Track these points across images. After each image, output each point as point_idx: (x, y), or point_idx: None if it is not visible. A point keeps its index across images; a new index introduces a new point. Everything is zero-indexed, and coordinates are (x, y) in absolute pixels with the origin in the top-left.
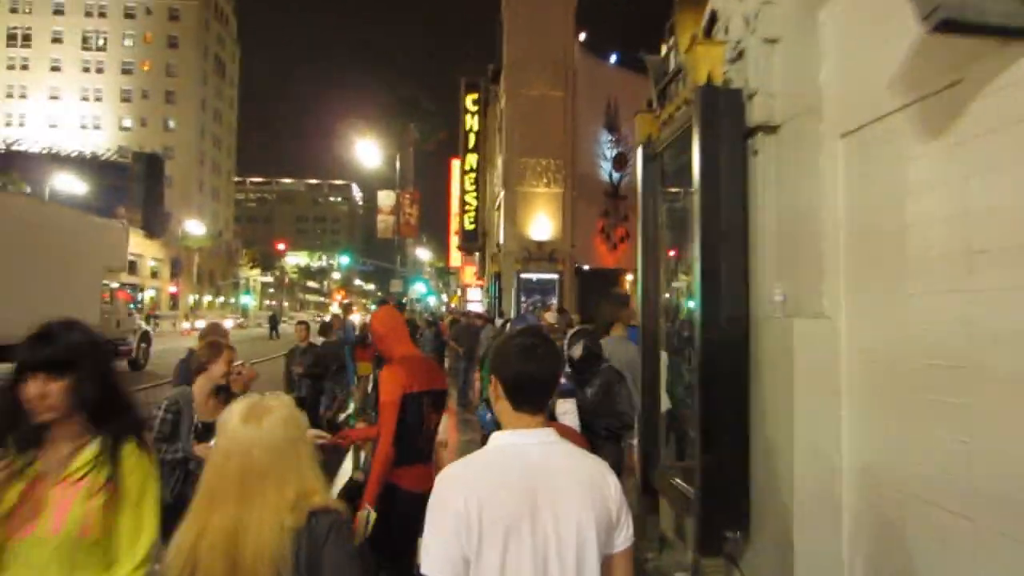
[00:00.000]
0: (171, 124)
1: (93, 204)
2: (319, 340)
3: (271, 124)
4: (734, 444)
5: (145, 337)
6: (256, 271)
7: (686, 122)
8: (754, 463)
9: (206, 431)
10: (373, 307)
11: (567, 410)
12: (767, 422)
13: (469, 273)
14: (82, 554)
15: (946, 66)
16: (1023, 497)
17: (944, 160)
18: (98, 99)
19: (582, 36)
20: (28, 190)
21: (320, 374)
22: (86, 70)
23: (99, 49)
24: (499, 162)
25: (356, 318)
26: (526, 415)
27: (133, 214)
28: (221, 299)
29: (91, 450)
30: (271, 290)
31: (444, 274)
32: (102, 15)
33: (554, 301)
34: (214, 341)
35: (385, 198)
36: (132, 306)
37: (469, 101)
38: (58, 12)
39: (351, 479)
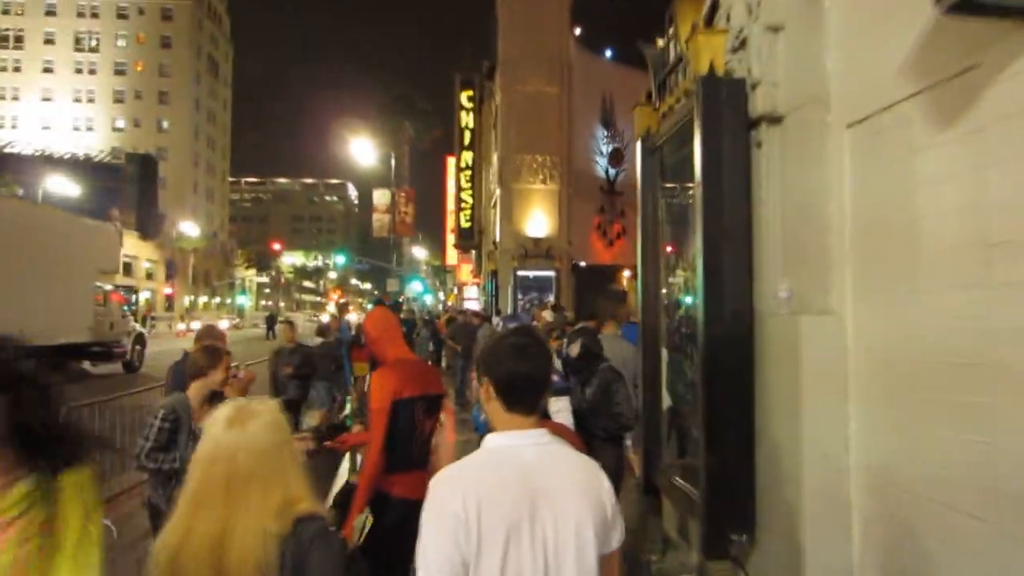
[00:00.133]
0: (165, 125)
1: (87, 206)
2: (318, 341)
3: (265, 124)
4: (738, 444)
5: (140, 339)
6: (252, 271)
7: (687, 114)
8: (759, 463)
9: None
10: (369, 306)
11: (561, 408)
12: (772, 421)
13: (466, 271)
14: None
15: (960, 51)
16: None
17: (958, 149)
18: (91, 100)
19: (577, 31)
20: (21, 192)
21: (308, 374)
22: (79, 71)
23: (92, 50)
24: (495, 159)
25: (352, 318)
26: (519, 416)
27: (127, 216)
28: (217, 300)
29: (23, 487)
30: (267, 290)
31: (441, 272)
32: (94, 16)
33: (551, 298)
34: (213, 347)
35: (380, 197)
36: (126, 308)
37: (464, 98)
38: (50, 13)
39: (347, 483)
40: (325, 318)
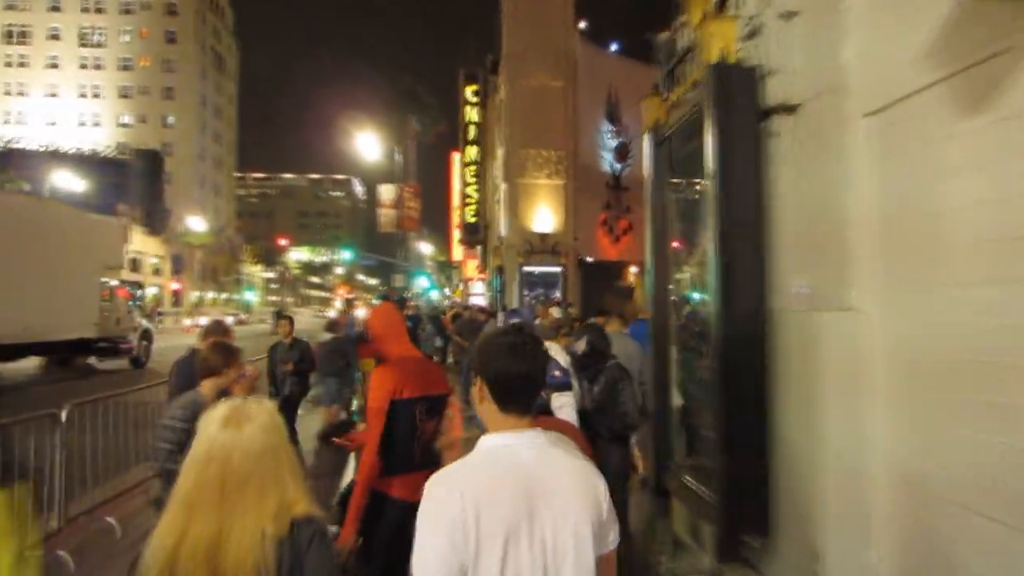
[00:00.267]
0: (170, 120)
1: (93, 202)
2: (327, 336)
3: (271, 118)
4: (753, 444)
5: (146, 335)
6: (258, 267)
7: (697, 104)
8: (775, 464)
9: None
10: (376, 302)
11: (564, 403)
12: (789, 421)
13: (471, 267)
14: None
15: (987, 36)
16: None
17: (985, 138)
18: (97, 96)
19: (582, 25)
20: (27, 188)
21: (307, 371)
22: (84, 67)
23: (97, 45)
24: (499, 154)
25: (360, 313)
26: (513, 416)
27: (134, 211)
28: (225, 296)
29: None
30: (274, 286)
31: (446, 268)
32: (99, 11)
33: (557, 295)
34: (227, 344)
35: (386, 192)
36: (132, 303)
37: (469, 92)
38: (55, 9)
39: (352, 480)
40: (332, 314)
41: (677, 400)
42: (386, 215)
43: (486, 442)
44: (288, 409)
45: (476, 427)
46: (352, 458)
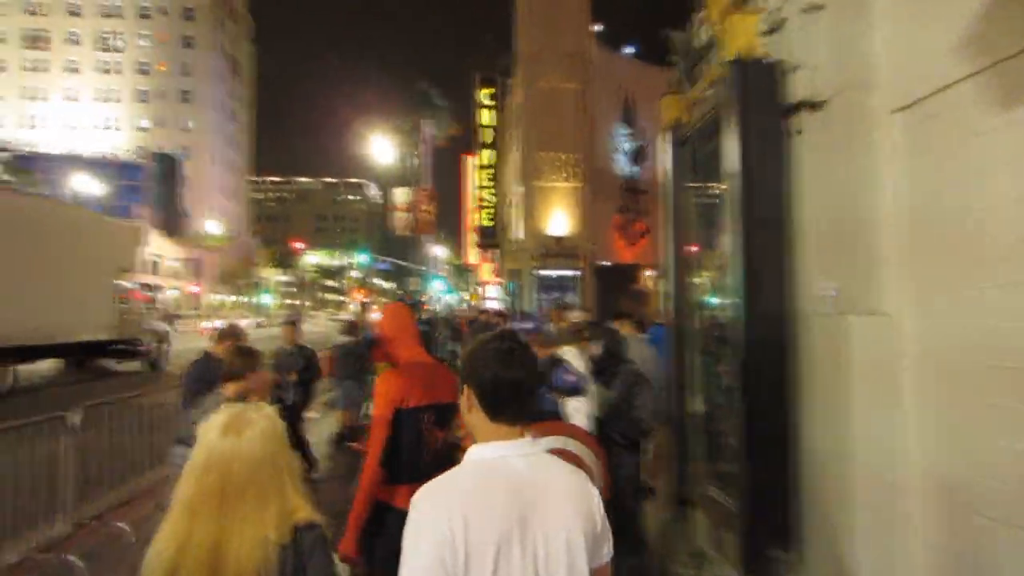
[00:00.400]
0: (188, 124)
1: (110, 205)
2: (344, 339)
3: (287, 123)
4: (777, 452)
5: (164, 337)
6: (275, 270)
7: (719, 101)
8: (803, 474)
9: None
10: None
11: (578, 408)
12: (817, 429)
13: (487, 270)
14: None
15: None
16: None
17: (1022, 133)
18: (115, 100)
19: (597, 28)
20: (47, 192)
21: (311, 379)
22: (103, 71)
23: (115, 50)
24: (512, 158)
25: (375, 316)
26: (504, 426)
27: (151, 215)
28: (243, 299)
29: None
30: (292, 289)
31: (462, 271)
32: (118, 16)
33: (572, 297)
34: (248, 348)
35: (400, 195)
36: (149, 306)
37: (484, 95)
38: (74, 14)
39: None
40: (346, 316)
41: (698, 406)
42: (401, 218)
43: (475, 453)
44: (292, 416)
45: None
46: None
